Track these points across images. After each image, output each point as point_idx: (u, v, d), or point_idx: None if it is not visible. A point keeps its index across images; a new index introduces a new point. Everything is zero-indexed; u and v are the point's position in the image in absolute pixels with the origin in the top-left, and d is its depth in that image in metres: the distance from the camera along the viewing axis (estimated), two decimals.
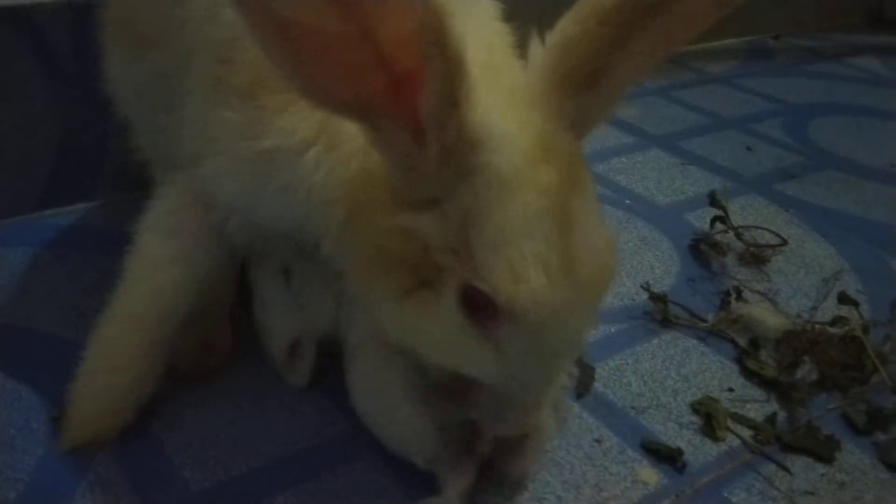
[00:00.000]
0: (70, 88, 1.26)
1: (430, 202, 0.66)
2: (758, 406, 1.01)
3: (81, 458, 0.86)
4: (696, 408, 0.99)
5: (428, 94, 0.60)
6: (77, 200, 1.32)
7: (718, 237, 1.33)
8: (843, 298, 1.15)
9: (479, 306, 0.65)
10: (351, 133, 0.71)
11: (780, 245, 1.31)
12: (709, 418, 0.97)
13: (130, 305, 0.90)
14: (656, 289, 1.19)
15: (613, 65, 0.68)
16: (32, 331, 1.04)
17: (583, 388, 1.02)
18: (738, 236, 1.32)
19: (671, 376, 1.05)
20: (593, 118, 0.72)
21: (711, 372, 1.06)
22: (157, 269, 0.89)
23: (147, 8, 0.94)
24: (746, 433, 0.96)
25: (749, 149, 1.72)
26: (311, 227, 0.79)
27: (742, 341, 1.11)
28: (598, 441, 0.94)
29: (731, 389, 1.03)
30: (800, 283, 1.25)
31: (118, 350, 0.89)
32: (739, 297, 1.18)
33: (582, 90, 0.68)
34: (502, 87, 0.69)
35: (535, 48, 0.71)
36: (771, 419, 0.98)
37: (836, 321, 1.12)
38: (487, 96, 0.64)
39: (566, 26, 0.68)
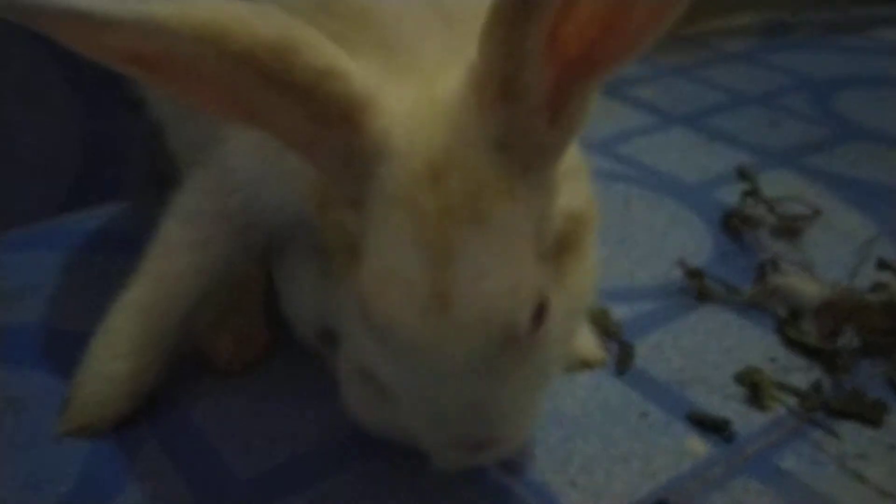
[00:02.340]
0: (93, 92, 1.27)
1: (356, 201, 0.65)
2: (802, 374, 1.00)
3: (129, 452, 0.87)
4: (740, 379, 0.98)
5: (291, 112, 0.60)
6: (102, 203, 1.33)
7: (749, 211, 1.32)
8: (882, 265, 1.14)
9: None
10: None
11: (814, 216, 1.30)
12: (754, 388, 0.96)
13: (141, 292, 0.91)
14: (690, 265, 1.18)
15: (527, 70, 0.57)
16: (68, 331, 1.04)
17: (623, 365, 1.01)
18: (771, 209, 1.31)
19: (712, 350, 1.04)
20: (541, 137, 0.61)
21: (752, 343, 1.05)
22: (173, 254, 0.90)
23: None
24: (792, 401, 0.95)
25: (774, 123, 1.71)
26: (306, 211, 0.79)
27: (781, 312, 1.10)
28: (643, 415, 0.94)
29: (773, 359, 1.02)
30: (835, 254, 1.24)
31: (123, 338, 0.90)
32: (776, 268, 1.17)
33: (505, 102, 0.59)
34: (424, 98, 0.63)
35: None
36: (816, 386, 0.97)
37: (876, 287, 1.10)
38: (401, 107, 0.62)
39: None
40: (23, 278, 1.14)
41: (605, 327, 1.06)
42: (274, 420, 0.91)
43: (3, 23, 0.58)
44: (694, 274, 1.15)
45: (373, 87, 0.61)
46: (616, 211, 1.35)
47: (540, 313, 0.64)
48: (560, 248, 0.67)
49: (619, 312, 1.10)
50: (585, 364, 1.01)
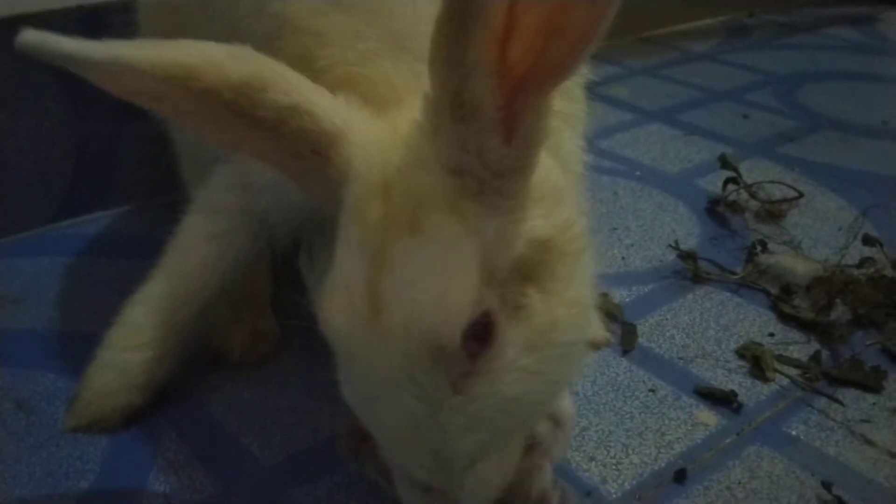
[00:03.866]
0: (84, 98, 1.26)
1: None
2: (800, 347, 1.03)
3: (149, 446, 0.86)
4: (741, 353, 1.01)
5: (266, 145, 0.65)
6: (95, 209, 1.32)
7: (733, 197, 1.36)
8: (868, 240, 1.18)
9: None
10: None
11: (797, 198, 1.34)
12: (756, 361, 0.99)
13: (159, 285, 0.91)
14: (683, 248, 1.21)
15: (474, 85, 0.56)
16: (74, 333, 1.03)
17: (627, 344, 1.03)
18: (752, 195, 1.35)
19: (712, 327, 1.07)
20: (496, 155, 0.59)
21: (750, 320, 1.08)
22: (192, 247, 0.91)
23: (197, 12, 0.92)
24: (794, 372, 0.98)
25: (745, 117, 1.76)
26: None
27: (773, 290, 1.13)
28: (652, 391, 0.96)
29: (771, 334, 1.05)
30: (818, 234, 1.28)
31: (137, 329, 0.89)
32: (765, 249, 1.20)
33: (456, 122, 0.58)
34: (387, 127, 0.65)
35: None
36: (816, 357, 1.00)
37: (864, 262, 1.14)
38: (366, 137, 0.65)
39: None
40: (24, 283, 1.13)
41: (606, 310, 1.08)
42: (290, 410, 0.92)
43: None
44: (688, 256, 1.18)
45: (341, 122, 0.64)
46: (605, 201, 1.38)
47: (484, 337, 0.60)
48: (522, 277, 0.63)
49: (618, 295, 1.12)
50: (591, 346, 1.02)
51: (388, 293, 0.59)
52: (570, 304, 0.66)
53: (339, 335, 0.63)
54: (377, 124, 0.66)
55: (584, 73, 0.87)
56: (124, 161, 1.33)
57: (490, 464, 0.66)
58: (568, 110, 0.82)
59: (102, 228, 1.28)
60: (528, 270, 0.63)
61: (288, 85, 0.63)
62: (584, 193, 0.85)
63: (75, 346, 0.99)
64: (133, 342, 0.88)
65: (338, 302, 0.62)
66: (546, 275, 0.64)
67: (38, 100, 1.22)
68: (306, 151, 0.64)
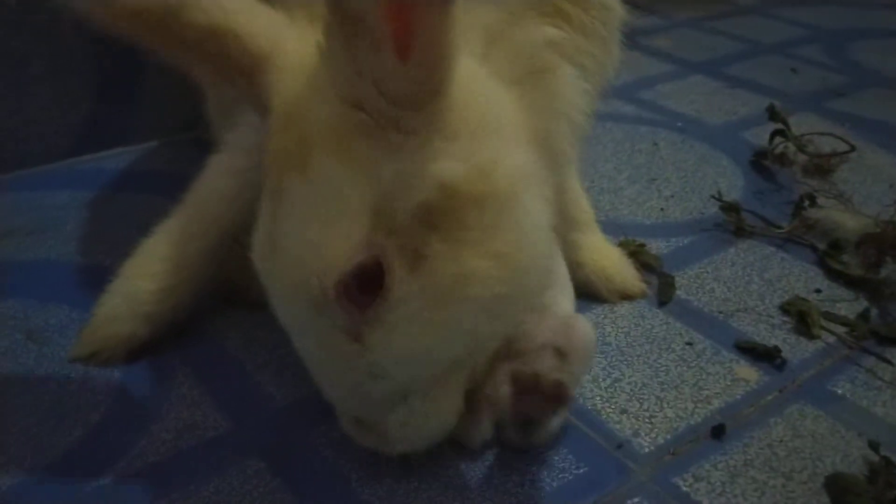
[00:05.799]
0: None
1: None
2: (848, 305, 0.97)
3: (162, 381, 0.83)
4: (786, 309, 0.96)
5: (200, 66, 0.65)
6: (117, 145, 1.28)
7: (780, 150, 1.29)
8: None
9: None
10: None
11: (849, 151, 1.27)
12: (801, 317, 0.94)
13: (176, 219, 0.88)
14: (726, 200, 1.15)
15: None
16: (89, 266, 1.00)
17: (664, 296, 0.98)
18: (801, 148, 1.28)
19: (755, 281, 1.01)
20: (392, 78, 0.55)
21: (795, 275, 1.02)
22: (212, 181, 0.88)
23: None
24: (841, 330, 0.93)
25: (793, 71, 1.68)
26: None
27: (821, 245, 1.07)
28: (689, 344, 0.91)
29: (818, 291, 0.99)
30: (869, 190, 1.21)
31: (148, 259, 0.87)
32: (813, 203, 1.14)
33: (348, 42, 0.54)
34: (306, 52, 0.61)
35: None
36: (864, 315, 0.94)
37: None
38: (288, 62, 0.63)
39: None
40: (41, 216, 1.10)
41: (643, 261, 1.02)
42: None
43: None
44: (730, 208, 1.12)
45: (268, 43, 0.62)
46: (644, 152, 1.32)
47: (373, 288, 0.57)
48: (427, 225, 0.58)
49: (656, 247, 1.07)
50: (626, 296, 0.97)
51: (278, 234, 0.59)
52: (493, 256, 0.59)
53: (257, 268, 0.63)
54: (300, 48, 0.63)
55: (614, 9, 0.76)
56: (148, 95, 1.28)
57: (421, 405, 0.64)
58: (574, 45, 0.71)
59: (124, 164, 1.25)
60: (433, 218, 0.58)
61: (209, 4, 0.61)
62: (579, 143, 0.75)
63: (91, 279, 0.96)
64: (142, 271, 0.86)
65: (257, 236, 0.63)
66: (455, 223, 0.58)
67: (57, 25, 1.17)
68: (235, 74, 0.63)
